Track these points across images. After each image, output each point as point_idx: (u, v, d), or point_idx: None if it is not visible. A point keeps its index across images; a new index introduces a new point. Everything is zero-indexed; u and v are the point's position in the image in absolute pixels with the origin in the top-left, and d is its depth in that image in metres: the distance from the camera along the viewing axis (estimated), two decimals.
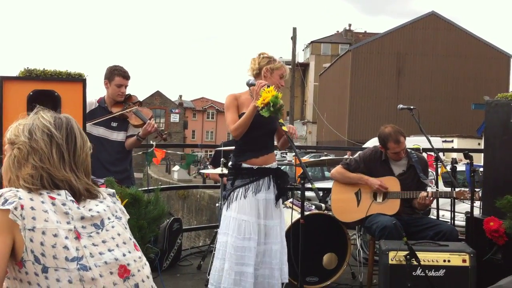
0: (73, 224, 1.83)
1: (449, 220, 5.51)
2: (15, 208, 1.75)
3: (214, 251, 5.07)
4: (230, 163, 4.29)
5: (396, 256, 4.00)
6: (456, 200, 5.39)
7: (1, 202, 1.75)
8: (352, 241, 5.41)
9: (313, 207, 5.29)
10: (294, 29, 29.68)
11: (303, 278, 3.86)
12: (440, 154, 5.76)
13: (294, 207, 4.80)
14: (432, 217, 5.31)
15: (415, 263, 3.82)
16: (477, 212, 4.90)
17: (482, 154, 5.05)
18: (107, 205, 1.99)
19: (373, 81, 41.24)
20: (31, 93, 3.72)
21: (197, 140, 71.89)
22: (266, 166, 4.17)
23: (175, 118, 64.05)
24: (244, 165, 4.14)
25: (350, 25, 64.65)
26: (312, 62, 61.61)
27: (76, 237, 1.82)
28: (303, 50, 65.89)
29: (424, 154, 5.64)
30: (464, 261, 4.03)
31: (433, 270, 3.99)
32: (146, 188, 4.86)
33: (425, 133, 5.15)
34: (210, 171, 6.14)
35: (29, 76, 3.84)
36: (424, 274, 3.86)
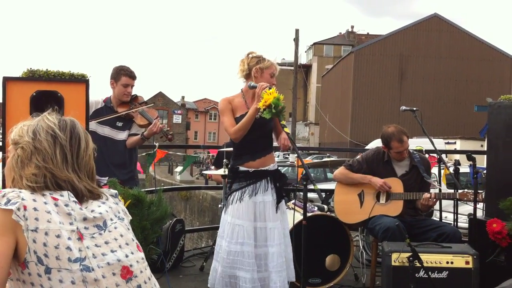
0: (76, 225, 1.83)
1: (452, 222, 5.51)
2: (18, 209, 1.75)
3: None
4: (229, 166, 4.30)
5: (399, 258, 3.99)
6: (459, 202, 5.39)
7: (4, 202, 1.76)
8: (355, 242, 5.41)
9: (316, 208, 5.29)
10: (297, 31, 29.68)
11: (305, 279, 3.86)
12: (443, 155, 5.75)
13: (297, 208, 4.80)
14: (435, 218, 5.30)
15: (418, 264, 3.81)
16: (480, 214, 4.89)
17: (485, 155, 5.04)
18: (110, 206, 1.99)
19: (376, 82, 41.19)
20: (34, 94, 3.72)
21: (200, 141, 71.87)
22: (263, 168, 4.15)
23: (177, 119, 64.10)
24: (241, 168, 4.14)
25: (352, 26, 64.73)
26: (314, 63, 61.63)
27: (78, 238, 1.82)
28: (305, 52, 65.94)
29: (427, 156, 5.63)
30: (467, 263, 4.02)
31: (436, 272, 3.98)
32: (149, 189, 4.86)
33: (427, 134, 5.15)
34: (213, 172, 6.14)
35: (32, 76, 3.85)
36: (427, 276, 3.86)
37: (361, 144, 31.37)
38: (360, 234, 5.70)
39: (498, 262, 4.40)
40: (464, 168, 7.23)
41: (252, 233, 4.04)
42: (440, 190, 4.90)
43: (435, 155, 5.67)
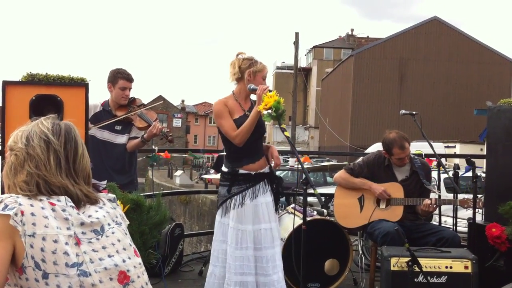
0: (73, 230, 1.83)
1: (451, 226, 5.51)
2: (16, 214, 1.75)
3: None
4: (224, 168, 4.25)
5: (398, 262, 3.99)
6: (458, 206, 5.38)
7: (1, 208, 1.76)
8: (354, 247, 5.40)
9: (315, 212, 5.28)
10: (297, 34, 29.68)
11: (304, 284, 3.85)
12: (442, 159, 5.74)
13: (296, 212, 4.79)
14: (434, 223, 5.29)
15: (417, 269, 3.80)
16: (479, 218, 4.89)
17: (485, 159, 5.04)
18: (107, 211, 1.99)
19: (376, 86, 41.22)
20: (33, 98, 3.72)
21: (199, 145, 71.86)
22: (262, 171, 4.15)
23: (177, 122, 64.11)
24: (241, 171, 4.11)
25: (352, 30, 64.83)
26: (314, 67, 61.70)
27: (76, 243, 1.82)
28: (305, 55, 65.98)
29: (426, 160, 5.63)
30: (466, 267, 4.02)
31: (435, 276, 3.97)
32: (148, 193, 4.85)
33: (427, 138, 5.14)
34: (212, 176, 6.13)
35: (31, 80, 3.85)
36: (426, 281, 3.85)
37: (361, 148, 31.34)
38: (359, 239, 5.69)
39: (497, 266, 4.40)
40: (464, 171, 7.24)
41: (253, 237, 4.04)
42: (439, 196, 4.90)
43: (434, 159, 5.67)
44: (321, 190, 12.40)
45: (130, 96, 4.96)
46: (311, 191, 3.66)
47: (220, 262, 4.10)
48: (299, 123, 55.69)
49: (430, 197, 4.78)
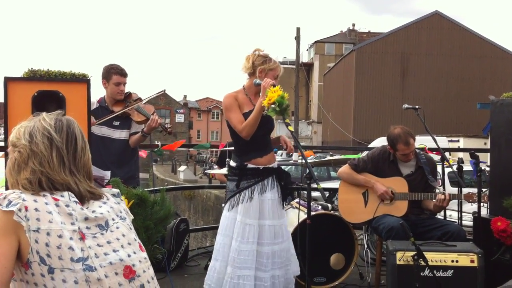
0: (78, 225, 1.83)
1: (457, 220, 5.48)
2: (19, 210, 1.75)
3: None
4: (232, 163, 4.25)
5: (403, 257, 3.98)
6: (463, 200, 5.36)
7: (5, 204, 1.76)
8: (360, 241, 5.39)
9: (320, 207, 5.27)
10: (298, 29, 29.63)
11: (310, 278, 3.84)
12: (446, 153, 5.71)
13: (301, 207, 4.78)
14: (439, 217, 5.27)
15: (422, 263, 3.79)
16: (484, 212, 4.87)
17: (488, 153, 5.01)
18: (111, 206, 1.99)
19: (378, 80, 41.17)
20: (35, 94, 3.71)
21: (202, 140, 71.88)
22: (270, 166, 4.15)
23: (180, 118, 64.17)
24: (250, 165, 4.11)
25: (354, 24, 64.62)
26: (316, 62, 61.62)
27: (80, 238, 1.81)
28: (307, 50, 65.91)
29: (431, 154, 5.61)
30: (472, 261, 4.00)
31: (441, 270, 3.96)
32: (152, 189, 4.84)
33: (430, 132, 5.12)
34: (216, 171, 6.12)
35: (33, 76, 3.83)
36: (432, 275, 3.84)
37: (364, 142, 31.32)
38: (364, 233, 5.68)
39: (503, 260, 4.38)
40: (468, 166, 7.21)
41: (258, 232, 4.04)
42: (443, 193, 4.87)
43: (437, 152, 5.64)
44: (324, 184, 12.37)
45: (126, 91, 4.95)
46: (314, 185, 3.64)
47: (221, 256, 4.10)
48: (302, 118, 55.68)
49: (436, 191, 4.76)
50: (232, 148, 5.70)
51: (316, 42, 62.77)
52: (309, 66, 61.61)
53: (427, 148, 6.17)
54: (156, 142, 5.67)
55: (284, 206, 4.27)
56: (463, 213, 5.47)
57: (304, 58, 60.02)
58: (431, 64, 40.83)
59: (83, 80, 3.93)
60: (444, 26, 41.63)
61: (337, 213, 5.07)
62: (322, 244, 4.80)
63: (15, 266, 1.76)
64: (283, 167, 4.40)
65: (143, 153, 5.84)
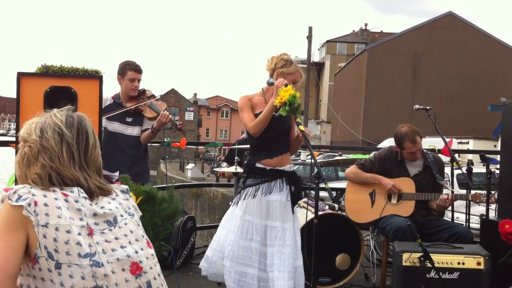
0: (86, 221, 1.84)
1: (464, 223, 5.47)
2: (29, 205, 1.76)
3: None
4: (245, 161, 4.31)
5: (410, 258, 3.97)
6: (471, 203, 5.35)
7: (14, 199, 1.77)
8: (366, 242, 5.39)
9: (327, 207, 5.27)
10: (310, 28, 29.58)
11: (315, 278, 3.85)
12: (456, 155, 5.70)
13: (308, 207, 4.78)
14: (446, 219, 5.26)
15: (429, 265, 3.79)
16: (492, 214, 4.86)
17: (499, 156, 5.00)
18: (120, 202, 2.00)
19: (389, 81, 41.00)
20: (48, 90, 3.73)
21: (211, 139, 71.90)
22: (280, 168, 4.15)
23: (189, 116, 64.26)
24: (258, 165, 4.14)
25: (366, 24, 64.58)
26: (327, 61, 61.44)
27: (89, 234, 1.83)
28: (318, 50, 65.73)
29: (440, 155, 5.59)
30: (478, 263, 3.99)
31: (447, 272, 3.95)
32: (160, 186, 4.87)
33: (441, 134, 5.11)
34: (224, 169, 6.15)
35: (46, 72, 3.86)
36: (438, 277, 3.83)
37: (373, 143, 31.20)
38: (371, 234, 5.68)
39: (510, 263, 4.36)
40: (477, 169, 7.19)
41: (261, 231, 4.05)
42: (452, 191, 4.87)
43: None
44: (332, 184, 12.36)
45: (140, 88, 4.98)
46: (322, 185, 3.65)
47: (215, 245, 4.19)
48: (312, 118, 55.56)
49: (443, 192, 4.75)
50: (241, 146, 5.74)
51: (327, 41, 62.59)
52: (320, 66, 61.46)
53: (436, 149, 6.16)
54: (165, 139, 5.70)
55: (293, 210, 4.24)
56: (470, 216, 5.46)
57: (315, 57, 59.87)
58: (443, 65, 40.61)
59: (95, 76, 3.95)
60: (457, 27, 41.39)
61: (344, 213, 5.08)
62: (328, 244, 4.81)
63: (23, 260, 1.78)
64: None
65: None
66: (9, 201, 1.77)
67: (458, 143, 21.62)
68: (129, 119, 4.93)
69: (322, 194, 3.69)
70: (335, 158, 17.44)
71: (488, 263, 3.99)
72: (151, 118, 4.88)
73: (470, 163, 5.49)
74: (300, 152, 24.16)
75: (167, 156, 7.58)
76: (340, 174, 17.89)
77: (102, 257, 1.82)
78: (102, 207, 1.92)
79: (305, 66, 30.49)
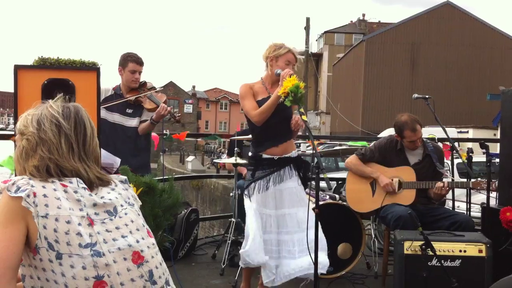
0: (86, 211, 1.84)
1: (465, 211, 5.47)
2: (28, 196, 1.76)
3: (229, 240, 5.09)
4: (249, 154, 4.29)
5: (411, 246, 3.98)
6: (472, 191, 5.34)
7: (13, 190, 1.77)
8: (367, 231, 5.39)
9: (328, 197, 5.27)
10: (308, 19, 29.52)
11: (317, 268, 3.84)
12: (455, 144, 5.69)
13: (309, 197, 4.78)
14: (447, 207, 5.26)
15: (430, 253, 3.79)
16: (493, 202, 4.85)
17: (498, 144, 4.99)
18: (119, 192, 2.00)
19: (387, 71, 40.94)
20: (45, 82, 3.72)
21: (211, 131, 71.82)
22: (287, 155, 4.16)
23: (188, 108, 64.22)
24: (265, 155, 4.14)
25: (364, 15, 64.19)
26: (325, 52, 61.31)
27: (89, 224, 1.82)
28: (316, 40, 65.57)
29: (440, 144, 5.59)
30: (480, 251, 3.99)
31: (449, 260, 3.95)
32: (161, 178, 4.87)
33: (440, 122, 5.10)
34: (224, 160, 6.14)
35: (43, 65, 3.86)
36: (439, 264, 3.83)
37: (373, 133, 31.21)
38: (372, 223, 5.68)
39: (511, 250, 4.36)
40: (477, 157, 7.18)
41: (278, 221, 4.05)
42: (453, 179, 4.87)
43: (448, 143, 5.63)
44: (333, 175, 12.36)
45: (141, 80, 4.98)
46: (321, 175, 3.65)
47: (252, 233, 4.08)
48: (311, 109, 55.54)
49: (443, 180, 4.75)
50: (241, 137, 5.73)
51: (325, 32, 62.42)
52: (318, 57, 61.36)
53: (436, 138, 6.15)
54: (165, 131, 5.70)
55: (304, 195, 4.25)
56: (471, 205, 5.46)
57: (314, 48, 59.76)
58: (441, 54, 40.54)
59: (93, 68, 3.95)
60: (455, 17, 41.29)
61: (345, 203, 5.08)
62: (329, 233, 4.80)
63: (24, 251, 1.78)
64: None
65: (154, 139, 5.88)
66: (8, 192, 1.76)
67: (458, 132, 21.60)
68: (129, 111, 4.93)
69: (323, 184, 3.68)
70: (335, 148, 17.44)
71: (489, 250, 3.99)
72: (151, 110, 4.88)
73: (470, 151, 5.48)
74: (300, 143, 24.19)
75: (166, 149, 7.58)
76: (341, 164, 17.88)
77: (103, 246, 1.81)
78: (102, 197, 1.92)
79: (303, 57, 30.47)
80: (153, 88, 5.02)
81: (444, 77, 40.11)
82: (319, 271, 4.08)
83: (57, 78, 3.78)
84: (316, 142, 4.84)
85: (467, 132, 25.51)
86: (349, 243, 4.99)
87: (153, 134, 5.67)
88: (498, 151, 5.03)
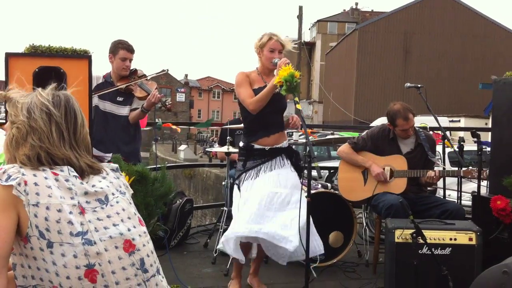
0: (77, 199, 1.84)
1: (456, 200, 5.50)
2: (19, 184, 1.75)
3: (221, 229, 5.10)
4: (240, 143, 4.28)
5: (402, 234, 4.00)
6: (463, 180, 5.37)
7: (4, 178, 1.76)
8: (358, 219, 5.42)
9: (319, 185, 5.29)
10: (300, 8, 29.46)
11: (309, 256, 3.86)
12: (447, 133, 5.72)
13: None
14: (438, 196, 5.29)
15: (421, 241, 3.81)
16: (484, 191, 4.88)
17: (490, 133, 5.01)
18: (110, 181, 1.99)
19: (380, 60, 40.95)
20: (36, 70, 3.71)
21: (203, 119, 71.59)
22: (278, 146, 4.16)
23: (181, 97, 64.03)
24: (256, 146, 4.14)
25: (357, 3, 63.96)
26: (318, 41, 61.18)
27: (80, 212, 1.82)
28: (309, 29, 65.38)
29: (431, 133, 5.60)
30: (470, 239, 4.01)
31: (439, 248, 3.97)
32: (153, 166, 4.87)
33: (432, 111, 5.11)
34: (216, 149, 6.13)
35: (34, 52, 3.83)
36: (430, 252, 3.86)
37: (365, 122, 31.26)
38: (363, 211, 5.71)
39: (501, 239, 4.40)
40: (468, 146, 7.21)
41: (268, 197, 4.01)
42: (444, 168, 4.89)
43: (439, 132, 5.65)
44: (325, 164, 12.37)
45: (132, 68, 4.96)
46: (312, 164, 3.66)
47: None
48: (303, 98, 55.52)
49: (434, 169, 4.77)
50: (233, 126, 5.72)
51: (318, 21, 62.24)
52: (311, 45, 61.21)
53: (428, 127, 6.16)
54: (156, 120, 5.68)
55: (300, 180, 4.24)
56: (462, 193, 5.48)
57: (306, 37, 59.60)
58: (433, 43, 40.57)
59: (84, 56, 3.93)
60: (447, 5, 41.29)
61: (336, 192, 5.10)
62: (321, 222, 4.82)
63: (15, 240, 1.78)
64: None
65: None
66: None
67: (450, 121, 21.68)
68: (120, 98, 4.91)
69: (314, 173, 3.69)
70: (327, 137, 17.43)
71: (479, 238, 4.02)
72: (141, 98, 4.86)
73: (461, 140, 5.50)
74: (292, 132, 24.18)
75: (159, 138, 7.58)
76: (333, 153, 17.90)
77: (95, 235, 1.81)
78: (93, 186, 1.91)
79: (296, 46, 30.43)
80: (144, 76, 4.99)
81: (436, 66, 40.18)
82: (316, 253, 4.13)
83: (49, 66, 3.77)
84: (309, 131, 4.85)
85: (459, 121, 25.61)
86: (340, 232, 5.02)
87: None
88: (489, 140, 5.06)
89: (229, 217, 5.46)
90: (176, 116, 56.06)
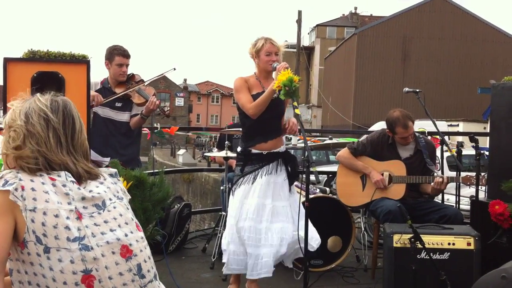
0: (74, 205, 1.83)
1: (454, 204, 5.50)
2: (16, 189, 1.75)
3: (219, 234, 5.09)
4: (238, 149, 4.29)
5: (400, 239, 3.99)
6: (461, 184, 5.37)
7: (1, 184, 1.76)
8: (357, 224, 5.41)
9: (318, 190, 5.28)
10: (300, 12, 29.48)
11: (307, 261, 3.86)
12: (446, 137, 5.72)
13: (299, 190, 4.79)
14: (437, 200, 5.28)
15: (419, 246, 3.81)
16: (482, 195, 4.88)
17: (488, 137, 5.01)
18: (108, 186, 1.99)
19: (379, 64, 40.98)
20: (35, 75, 3.71)
21: (202, 124, 71.61)
22: (275, 151, 4.17)
23: (180, 102, 63.99)
24: (254, 150, 4.15)
25: (356, 8, 64.14)
26: (317, 45, 61.25)
27: (77, 218, 1.82)
28: (308, 34, 65.47)
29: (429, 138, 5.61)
30: (469, 244, 4.01)
31: (437, 253, 3.97)
32: (151, 171, 4.87)
33: (430, 116, 5.11)
34: (215, 154, 6.13)
35: (33, 57, 3.83)
36: (428, 257, 3.86)
37: (364, 127, 31.28)
38: (361, 216, 5.71)
39: (499, 243, 4.39)
40: (467, 150, 7.21)
41: (258, 210, 4.05)
42: (441, 177, 4.89)
43: (438, 137, 5.65)
44: (323, 168, 12.37)
45: (129, 72, 4.96)
46: (311, 169, 3.66)
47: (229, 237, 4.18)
48: (302, 102, 55.51)
49: (436, 175, 4.77)
50: (231, 129, 5.72)
51: (317, 25, 62.32)
52: (310, 50, 61.26)
53: (426, 132, 6.17)
54: (154, 125, 5.68)
55: (291, 189, 4.27)
56: (461, 198, 5.48)
57: (305, 41, 59.64)
58: (432, 48, 40.62)
59: (83, 61, 3.93)
60: (446, 10, 41.35)
61: (335, 196, 5.10)
62: (319, 226, 4.81)
63: (12, 245, 1.77)
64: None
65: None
66: None
67: (448, 125, 21.69)
68: (118, 104, 4.92)
69: (313, 178, 3.69)
70: (326, 142, 17.44)
71: (478, 243, 4.01)
72: (140, 104, 4.87)
73: (459, 145, 5.50)
74: (291, 137, 24.19)
75: (157, 142, 7.59)
76: (331, 158, 17.92)
77: (92, 240, 1.81)
78: (90, 191, 1.91)
79: (295, 50, 30.44)
80: (141, 81, 4.99)
81: (435, 70, 40.22)
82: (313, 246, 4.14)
83: (47, 71, 3.77)
84: (308, 138, 4.86)
85: (458, 125, 25.59)
86: (339, 236, 5.01)
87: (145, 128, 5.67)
88: (488, 145, 5.06)
89: None
90: (175, 120, 56.02)
